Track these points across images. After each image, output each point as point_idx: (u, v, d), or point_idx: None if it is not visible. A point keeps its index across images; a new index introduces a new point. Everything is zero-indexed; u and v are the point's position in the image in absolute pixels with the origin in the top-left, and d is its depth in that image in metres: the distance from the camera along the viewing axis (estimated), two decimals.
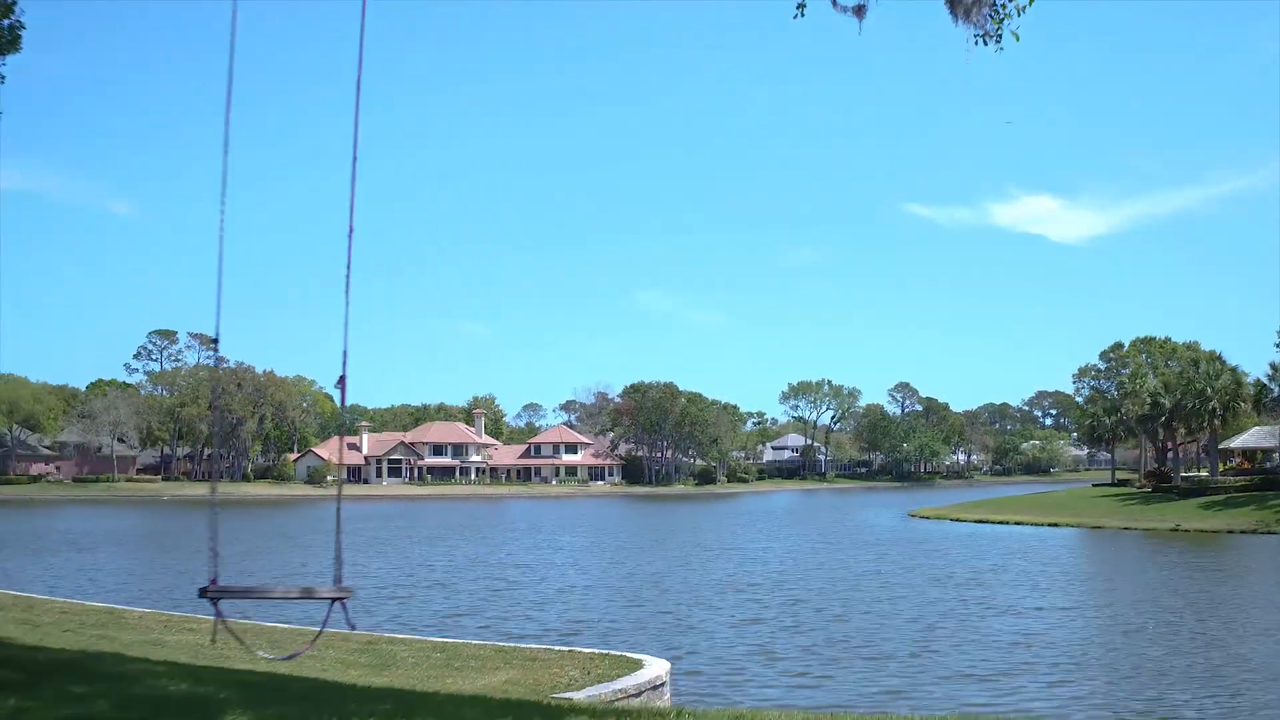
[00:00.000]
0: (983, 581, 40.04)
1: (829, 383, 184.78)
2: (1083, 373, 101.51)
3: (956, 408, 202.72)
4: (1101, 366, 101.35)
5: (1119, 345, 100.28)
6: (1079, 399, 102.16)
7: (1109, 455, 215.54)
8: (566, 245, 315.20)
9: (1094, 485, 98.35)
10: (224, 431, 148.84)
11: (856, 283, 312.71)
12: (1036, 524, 76.67)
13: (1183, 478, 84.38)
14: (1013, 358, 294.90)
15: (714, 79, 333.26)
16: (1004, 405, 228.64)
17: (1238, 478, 78.18)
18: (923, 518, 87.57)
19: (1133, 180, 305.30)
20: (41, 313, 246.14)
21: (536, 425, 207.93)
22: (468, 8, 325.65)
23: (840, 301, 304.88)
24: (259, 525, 78.41)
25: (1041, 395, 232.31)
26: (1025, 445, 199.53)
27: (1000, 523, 79.03)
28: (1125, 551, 54.84)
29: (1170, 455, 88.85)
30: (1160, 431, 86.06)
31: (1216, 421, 78.53)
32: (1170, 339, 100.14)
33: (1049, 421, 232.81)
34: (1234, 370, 79.25)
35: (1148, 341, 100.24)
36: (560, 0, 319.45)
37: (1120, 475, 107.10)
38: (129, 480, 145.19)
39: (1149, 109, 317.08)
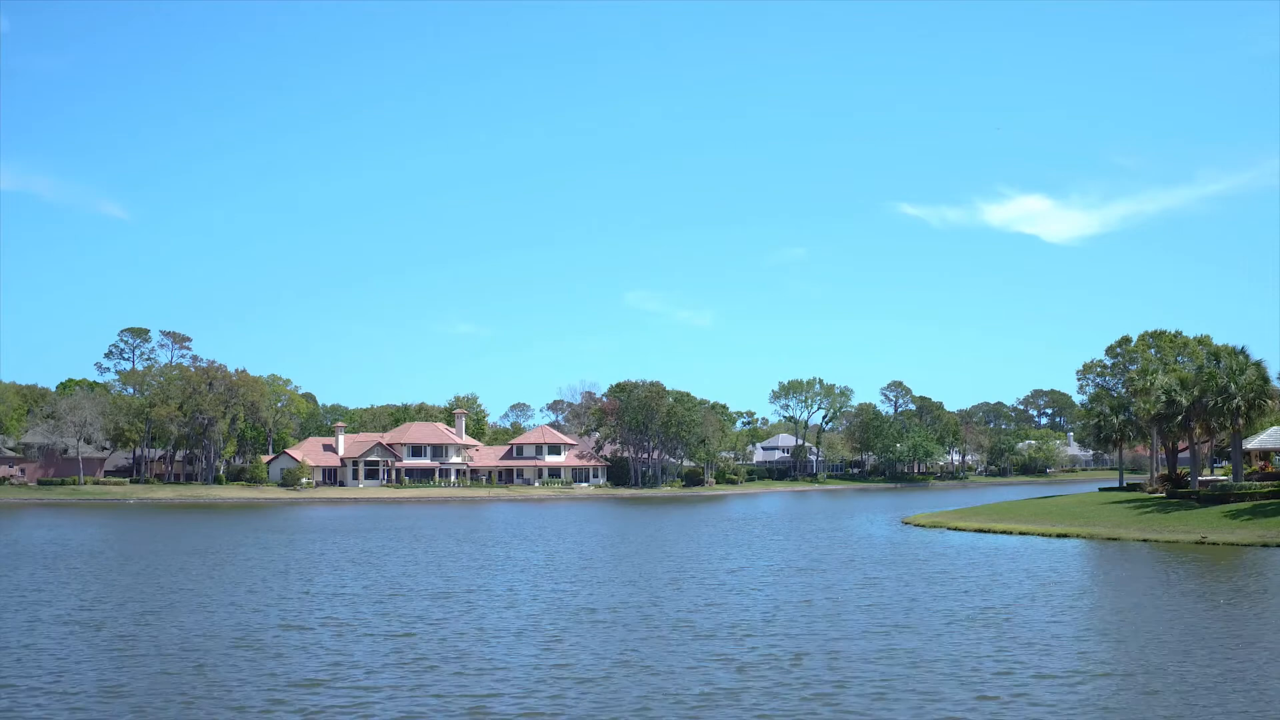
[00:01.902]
0: (1011, 620, 31.44)
1: (820, 381, 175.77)
2: (1087, 369, 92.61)
3: (950, 407, 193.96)
4: (1108, 362, 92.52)
5: (1126, 339, 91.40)
6: (1083, 396, 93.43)
7: (1108, 456, 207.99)
8: (559, 245, 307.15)
9: (1101, 489, 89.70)
10: (195, 432, 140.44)
11: (848, 282, 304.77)
12: (1045, 534, 68.12)
13: (1200, 482, 75.76)
14: (1008, 356, 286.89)
15: (705, 80, 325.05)
16: (999, 404, 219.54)
17: (1263, 483, 69.43)
18: (918, 526, 79.04)
19: (1124, 179, 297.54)
20: (23, 312, 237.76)
21: (524, 426, 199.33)
22: (465, 9, 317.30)
23: (832, 300, 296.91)
24: (175, 533, 69.26)
25: (1037, 394, 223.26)
26: (1021, 445, 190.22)
27: (1003, 533, 70.49)
28: (1161, 572, 46.06)
29: (1188, 458, 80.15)
30: (1176, 432, 77.40)
31: (1240, 421, 69.87)
32: (1181, 333, 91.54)
33: (1044, 421, 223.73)
34: (1259, 365, 70.63)
35: (1157, 335, 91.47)
36: (556, 1, 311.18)
37: (1127, 479, 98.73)
38: (96, 483, 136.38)
39: (1140, 108, 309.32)
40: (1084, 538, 65.64)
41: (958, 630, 30.01)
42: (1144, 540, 62.04)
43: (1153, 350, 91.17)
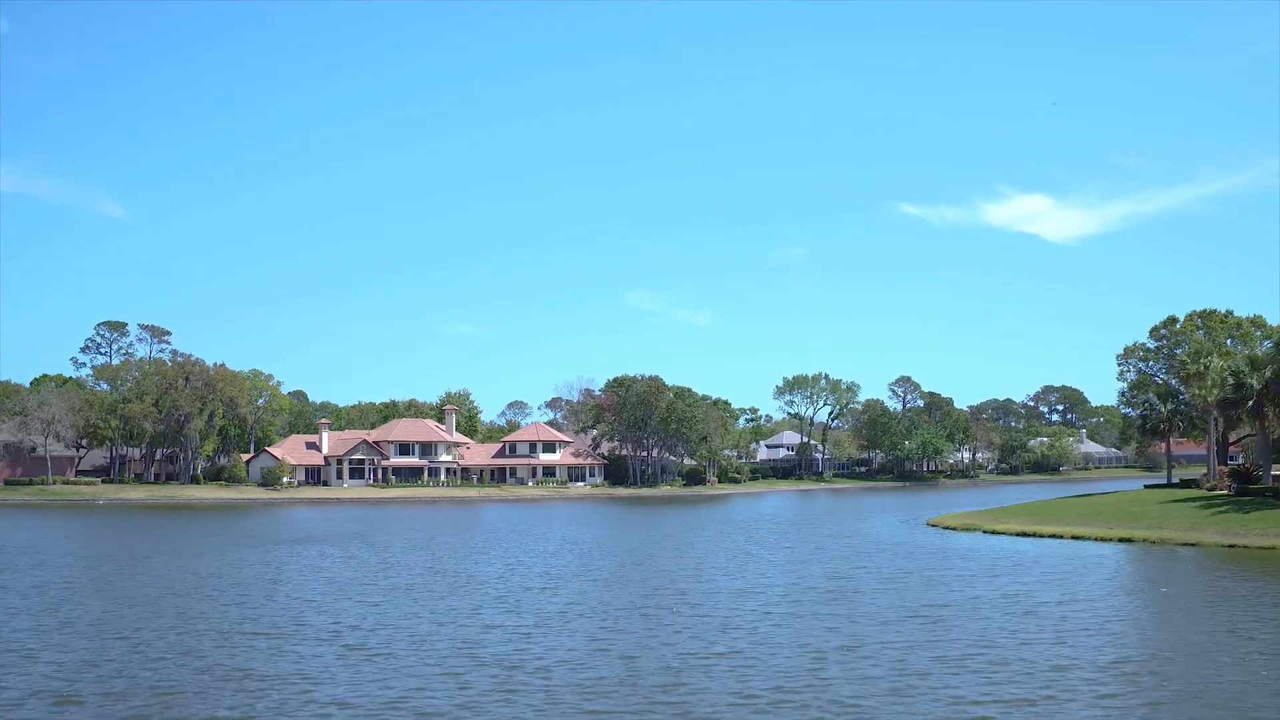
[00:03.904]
0: (1202, 691, 19.09)
1: (826, 377, 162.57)
2: (1129, 353, 79.97)
3: (959, 404, 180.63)
4: (1151, 345, 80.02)
5: (1172, 320, 78.89)
6: (1122, 384, 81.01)
7: (1123, 453, 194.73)
8: (558, 245, 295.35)
9: (1147, 487, 77.08)
10: (171, 429, 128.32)
11: (849, 282, 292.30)
12: (1102, 538, 55.76)
13: (1274, 477, 63.33)
14: (1010, 356, 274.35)
15: (705, 79, 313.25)
16: (1007, 401, 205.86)
17: None
18: (946, 528, 66.68)
19: (1124, 179, 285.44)
20: (22, 314, 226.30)
21: (521, 424, 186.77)
22: (465, 9, 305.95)
23: (832, 301, 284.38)
24: (102, 539, 56.55)
25: (1048, 390, 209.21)
26: (1033, 442, 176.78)
27: (1052, 536, 58.18)
28: None
29: (1258, 449, 67.55)
30: (1245, 419, 65.00)
31: None
32: (1232, 312, 79.10)
33: (1055, 418, 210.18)
34: None
35: (1206, 315, 79.05)
36: (556, 1, 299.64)
37: (1155, 475, 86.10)
38: (65, 483, 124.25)
39: (1140, 108, 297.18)
40: (1153, 542, 53.29)
41: (1121, 712, 17.65)
42: (1229, 546, 49.76)
43: (1201, 332, 78.71)
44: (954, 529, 66.10)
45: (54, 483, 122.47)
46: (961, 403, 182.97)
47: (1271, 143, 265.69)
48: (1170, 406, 75.55)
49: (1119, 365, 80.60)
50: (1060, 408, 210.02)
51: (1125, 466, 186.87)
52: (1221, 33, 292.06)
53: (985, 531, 62.86)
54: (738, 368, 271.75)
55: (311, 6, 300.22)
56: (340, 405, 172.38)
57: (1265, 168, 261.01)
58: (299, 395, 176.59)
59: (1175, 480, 76.57)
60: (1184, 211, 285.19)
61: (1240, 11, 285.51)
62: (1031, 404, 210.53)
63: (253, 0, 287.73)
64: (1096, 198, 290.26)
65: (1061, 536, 57.96)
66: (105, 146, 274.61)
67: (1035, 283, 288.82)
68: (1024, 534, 60.16)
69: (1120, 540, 54.76)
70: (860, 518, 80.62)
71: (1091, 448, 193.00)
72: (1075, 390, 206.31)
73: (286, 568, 43.67)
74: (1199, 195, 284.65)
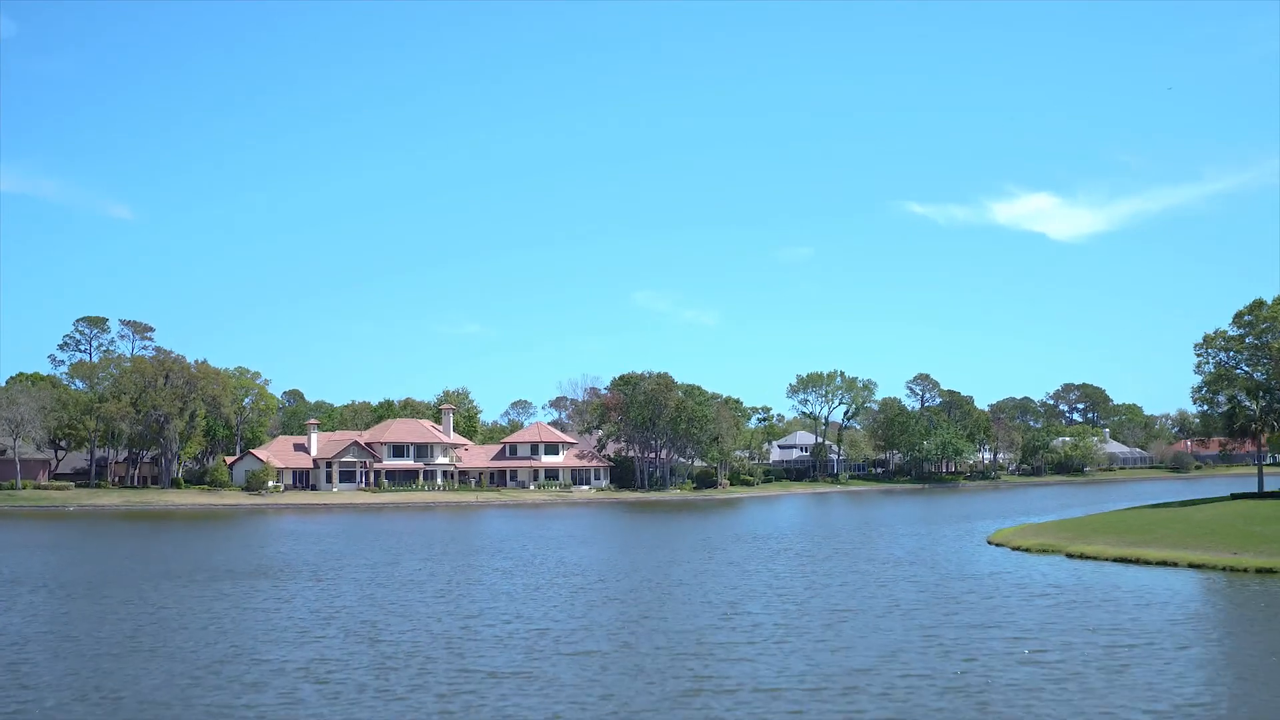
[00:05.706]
0: None
1: (841, 374, 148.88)
2: (1208, 341, 66.94)
3: (977, 403, 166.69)
4: (1233, 333, 67.08)
5: (1259, 304, 66.06)
6: (1199, 375, 67.93)
7: (1147, 453, 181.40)
8: (563, 245, 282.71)
9: (1235, 495, 63.78)
10: (151, 430, 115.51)
11: (855, 281, 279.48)
12: (1234, 568, 42.51)
13: None
14: (1024, 352, 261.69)
15: (711, 79, 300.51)
16: (1025, 399, 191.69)
17: None
18: (1017, 549, 53.37)
19: (1129, 178, 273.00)
20: (26, 315, 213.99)
21: (524, 425, 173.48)
22: (465, 9, 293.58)
23: (838, 300, 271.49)
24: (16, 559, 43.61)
25: (1068, 388, 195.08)
26: (1056, 442, 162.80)
27: (1161, 564, 44.87)
28: None
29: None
30: None
31: None
32: None
33: (1076, 416, 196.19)
34: None
35: None
36: (558, 1, 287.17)
37: (1182, 477, 71.99)
38: (37, 488, 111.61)
39: (1144, 107, 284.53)
40: None
41: None
42: None
43: None
44: (1027, 550, 52.78)
45: (24, 487, 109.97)
46: (978, 402, 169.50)
47: (1273, 142, 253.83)
48: (1263, 402, 62.26)
49: (1196, 355, 67.34)
50: (1081, 406, 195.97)
51: (1151, 467, 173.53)
52: (1222, 32, 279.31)
53: (1070, 555, 49.57)
54: (746, 367, 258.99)
55: (311, 6, 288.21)
56: (334, 404, 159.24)
57: (1267, 166, 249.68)
58: (295, 395, 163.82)
59: (1272, 489, 63.22)
60: (1189, 210, 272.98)
61: (1240, 11, 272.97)
62: (1051, 402, 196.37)
63: (253, 0, 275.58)
64: (1102, 196, 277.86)
65: (1175, 564, 44.66)
66: (108, 146, 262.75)
67: (1042, 282, 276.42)
68: (1123, 559, 46.82)
69: (1259, 571, 41.55)
70: (901, 531, 67.44)
71: (1115, 448, 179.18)
72: (1097, 388, 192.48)
73: (177, 614, 30.65)
74: (1203, 194, 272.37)
